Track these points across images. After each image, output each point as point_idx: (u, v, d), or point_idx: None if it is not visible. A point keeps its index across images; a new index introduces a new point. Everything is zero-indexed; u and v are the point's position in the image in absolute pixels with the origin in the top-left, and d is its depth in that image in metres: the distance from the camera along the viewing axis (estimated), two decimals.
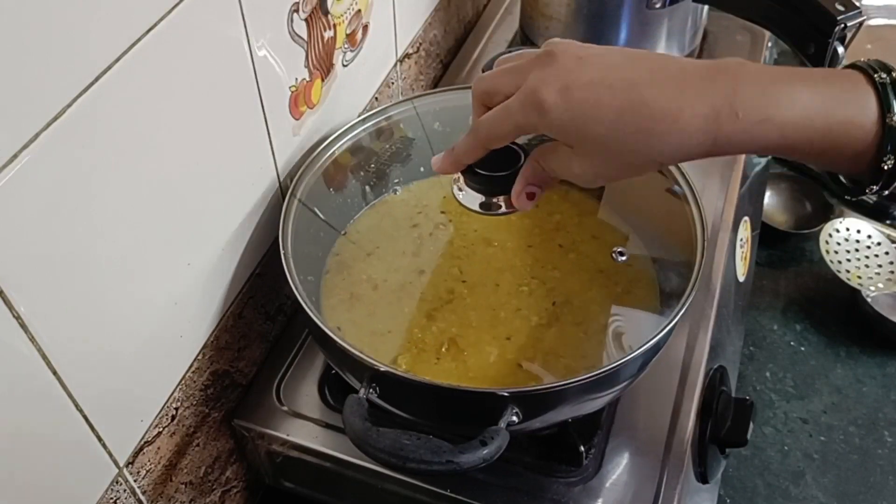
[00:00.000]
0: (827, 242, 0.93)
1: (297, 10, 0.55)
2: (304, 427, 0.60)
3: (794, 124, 0.38)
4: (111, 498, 0.50)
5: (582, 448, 0.56)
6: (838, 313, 0.92)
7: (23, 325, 0.39)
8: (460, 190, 0.51)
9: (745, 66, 0.39)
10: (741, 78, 0.39)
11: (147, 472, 0.53)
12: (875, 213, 1.01)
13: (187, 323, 0.54)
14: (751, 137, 0.39)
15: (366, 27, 0.67)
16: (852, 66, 0.40)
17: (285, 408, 0.61)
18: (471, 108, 0.48)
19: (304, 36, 0.57)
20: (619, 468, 0.56)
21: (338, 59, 0.64)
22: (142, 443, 0.52)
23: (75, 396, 0.44)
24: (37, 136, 0.37)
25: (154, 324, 0.50)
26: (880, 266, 0.92)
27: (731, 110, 0.38)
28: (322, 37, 0.60)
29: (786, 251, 0.99)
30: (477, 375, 0.55)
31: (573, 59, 0.41)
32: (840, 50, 0.67)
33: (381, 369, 0.48)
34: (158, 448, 0.54)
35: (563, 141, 0.43)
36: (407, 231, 0.64)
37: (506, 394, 0.47)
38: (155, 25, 0.42)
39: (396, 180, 0.67)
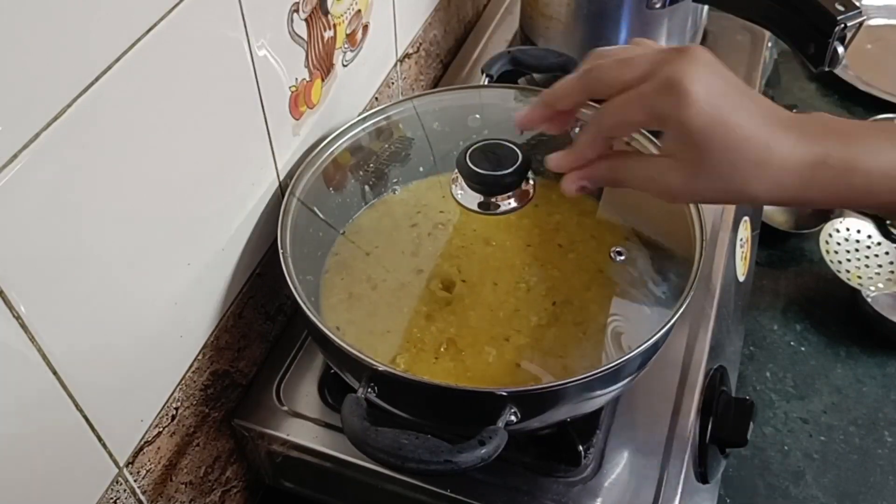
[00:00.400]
0: (827, 242, 0.93)
1: (297, 10, 0.55)
2: (303, 427, 0.60)
3: (882, 175, 0.39)
4: (111, 498, 0.50)
5: (581, 448, 0.56)
6: (838, 313, 0.92)
7: (23, 326, 0.39)
8: (459, 189, 0.52)
9: (829, 119, 0.41)
10: (828, 128, 0.40)
11: (147, 472, 0.53)
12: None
13: (187, 323, 0.54)
14: (839, 186, 0.40)
15: (366, 27, 0.67)
16: None
17: (285, 408, 0.61)
18: (468, 108, 0.48)
19: (304, 36, 0.57)
20: (618, 468, 0.56)
21: (338, 59, 0.64)
22: (142, 443, 0.52)
23: (75, 396, 0.44)
24: (37, 136, 0.37)
25: (154, 324, 0.50)
26: (880, 266, 0.91)
27: (821, 157, 0.39)
28: (322, 37, 0.60)
29: (786, 251, 0.99)
30: (475, 375, 0.55)
31: (712, 63, 0.41)
32: (840, 50, 0.67)
33: (380, 369, 0.48)
34: (158, 448, 0.54)
35: (685, 141, 0.41)
36: (406, 231, 0.64)
37: (504, 393, 0.47)
38: (155, 25, 0.42)
39: (395, 180, 0.67)
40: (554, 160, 0.47)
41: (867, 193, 0.40)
